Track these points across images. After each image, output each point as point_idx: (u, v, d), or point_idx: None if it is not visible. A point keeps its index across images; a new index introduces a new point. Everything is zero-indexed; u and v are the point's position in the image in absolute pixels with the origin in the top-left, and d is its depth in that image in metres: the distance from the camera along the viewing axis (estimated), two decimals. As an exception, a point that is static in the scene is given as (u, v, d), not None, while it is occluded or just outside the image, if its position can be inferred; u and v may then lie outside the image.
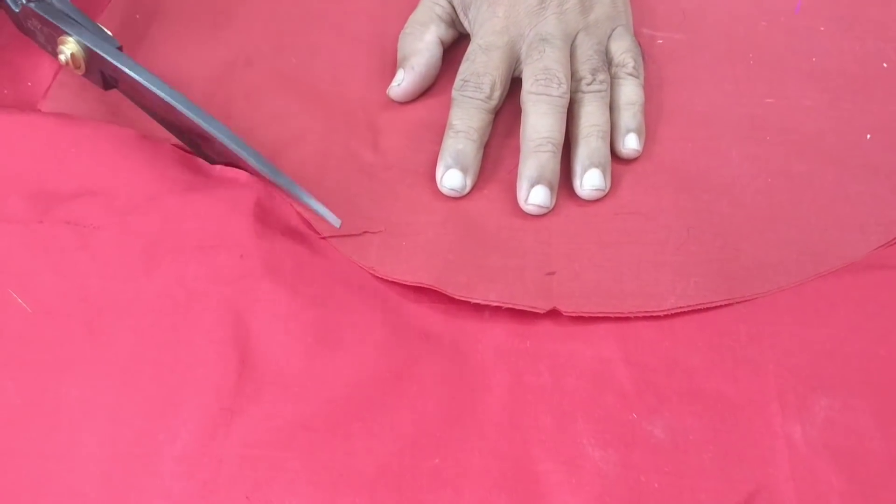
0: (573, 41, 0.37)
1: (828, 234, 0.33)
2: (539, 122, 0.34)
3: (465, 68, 0.36)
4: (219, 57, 0.39)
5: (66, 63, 0.34)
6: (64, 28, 0.34)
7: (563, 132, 0.35)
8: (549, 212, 0.34)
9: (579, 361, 0.30)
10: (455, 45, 0.40)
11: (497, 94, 0.36)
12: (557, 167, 0.34)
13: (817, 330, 0.31)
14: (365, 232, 0.33)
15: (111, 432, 0.28)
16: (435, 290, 0.31)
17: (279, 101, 0.37)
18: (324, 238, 0.33)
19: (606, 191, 0.34)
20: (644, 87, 0.37)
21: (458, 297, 0.31)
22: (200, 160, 0.35)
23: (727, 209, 0.34)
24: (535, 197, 0.33)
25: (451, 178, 0.34)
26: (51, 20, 0.34)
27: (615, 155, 0.36)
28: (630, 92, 0.36)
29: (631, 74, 0.36)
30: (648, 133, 0.36)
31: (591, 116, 0.35)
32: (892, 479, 0.28)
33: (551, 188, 0.33)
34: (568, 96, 0.35)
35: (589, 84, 0.35)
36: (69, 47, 0.34)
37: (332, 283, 0.32)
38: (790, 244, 0.33)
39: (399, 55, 0.38)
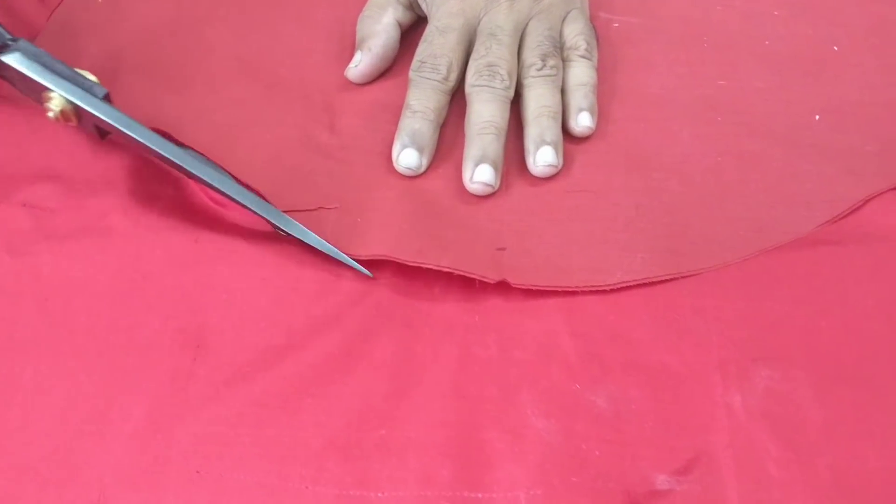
0: (525, 28, 0.37)
1: (774, 211, 0.34)
2: (482, 108, 0.35)
3: (422, 50, 0.37)
4: (180, 43, 0.40)
5: (57, 119, 0.33)
6: (45, 83, 0.32)
7: (505, 119, 0.35)
8: (501, 192, 0.35)
9: (526, 334, 0.31)
10: (413, 28, 0.40)
11: (454, 75, 0.36)
12: (501, 149, 0.35)
13: (761, 303, 0.32)
14: (320, 207, 0.34)
15: (64, 409, 0.29)
16: (388, 266, 0.32)
17: (238, 86, 0.38)
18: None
19: (559, 167, 0.35)
20: (597, 69, 0.38)
21: (410, 264, 0.32)
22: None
23: (677, 187, 0.35)
24: (479, 175, 0.34)
25: (407, 157, 0.35)
26: (29, 76, 0.32)
27: (568, 134, 0.36)
28: (581, 73, 0.37)
29: (583, 56, 0.37)
30: (602, 113, 0.37)
31: (542, 98, 0.36)
32: (828, 446, 0.28)
33: (495, 167, 0.34)
34: (512, 90, 0.36)
35: (539, 70, 0.36)
36: (56, 103, 0.32)
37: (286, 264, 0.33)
38: (737, 221, 0.34)
39: (357, 38, 0.39)
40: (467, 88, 0.36)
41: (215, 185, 0.32)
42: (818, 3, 0.42)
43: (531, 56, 0.36)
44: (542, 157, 0.34)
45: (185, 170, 0.32)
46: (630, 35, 0.40)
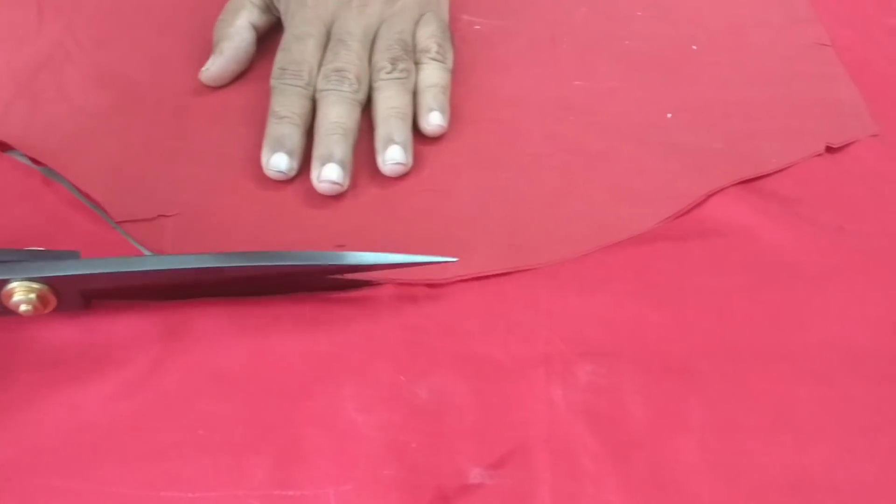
0: (377, 32, 0.37)
1: (618, 208, 0.34)
2: (329, 111, 0.35)
3: (282, 57, 0.37)
4: (37, 51, 0.40)
5: (33, 310, 0.27)
6: (4, 275, 0.27)
7: (354, 121, 0.35)
8: (349, 192, 0.35)
9: (356, 328, 0.31)
10: (273, 31, 0.40)
11: (315, 80, 0.36)
12: (349, 149, 0.35)
13: (593, 297, 0.32)
14: (159, 216, 0.34)
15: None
16: None
17: (91, 93, 0.38)
18: (118, 223, 0.33)
19: (408, 166, 0.35)
20: (452, 71, 0.38)
21: None
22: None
23: (524, 186, 0.35)
24: (326, 173, 0.34)
25: (277, 161, 0.34)
26: None
27: (421, 134, 0.36)
28: (432, 75, 0.37)
29: (434, 59, 0.37)
30: (456, 114, 0.37)
31: (390, 100, 0.36)
32: (647, 440, 0.28)
33: (342, 166, 0.34)
34: (361, 93, 0.36)
35: (389, 73, 0.36)
36: (24, 293, 0.27)
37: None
38: (580, 218, 0.34)
39: (213, 41, 0.39)
40: (317, 94, 0.36)
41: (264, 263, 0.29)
42: (681, 3, 0.43)
43: (381, 59, 0.37)
44: (390, 156, 0.35)
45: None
46: (490, 37, 0.41)
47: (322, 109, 0.35)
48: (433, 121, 0.36)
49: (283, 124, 0.35)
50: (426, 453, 0.28)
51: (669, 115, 0.37)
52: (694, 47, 0.40)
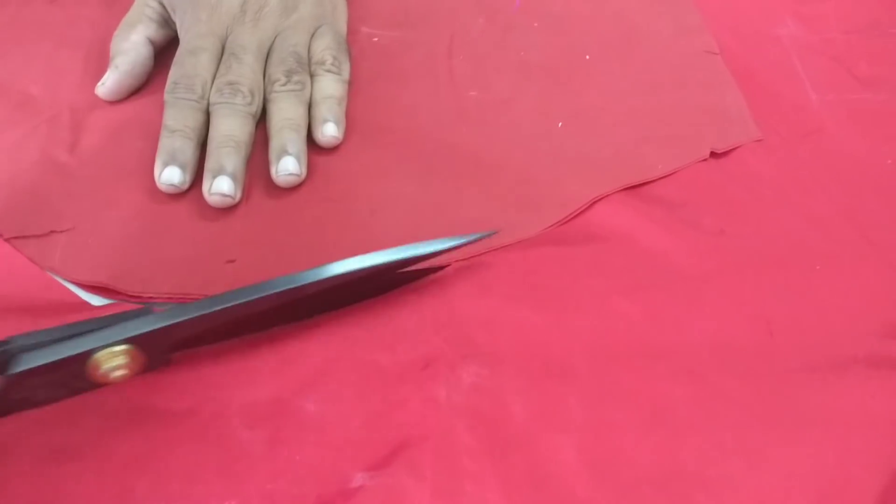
0: (271, 45, 0.38)
1: (506, 214, 0.35)
2: (221, 124, 0.35)
3: (175, 72, 0.37)
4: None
5: (124, 377, 0.26)
6: (84, 349, 0.25)
7: (247, 133, 0.36)
8: (242, 205, 0.35)
9: (237, 344, 0.31)
10: (171, 45, 0.40)
11: (208, 93, 0.37)
12: (240, 162, 0.35)
13: (479, 301, 0.33)
14: (51, 231, 0.34)
15: None
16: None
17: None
18: (7, 239, 0.33)
19: (302, 177, 0.35)
20: (348, 83, 0.39)
21: (132, 294, 0.32)
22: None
23: (416, 192, 0.36)
24: (217, 186, 0.34)
25: (169, 175, 0.35)
26: (56, 359, 0.25)
27: (316, 146, 0.37)
28: (327, 86, 0.37)
29: (329, 71, 0.38)
30: (352, 125, 0.38)
31: (284, 112, 0.36)
32: (526, 439, 0.29)
33: (233, 179, 0.34)
34: (255, 106, 0.36)
35: (283, 85, 0.37)
36: (118, 359, 0.26)
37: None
38: (469, 223, 0.35)
39: (110, 55, 0.39)
40: (210, 107, 0.36)
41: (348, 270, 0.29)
42: (576, 14, 0.44)
43: (275, 72, 0.37)
44: (283, 167, 0.35)
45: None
46: (389, 49, 0.41)
47: (214, 122, 0.36)
48: (327, 132, 0.36)
49: (176, 138, 0.35)
50: (311, 463, 0.28)
51: (560, 125, 0.38)
52: (587, 57, 0.41)
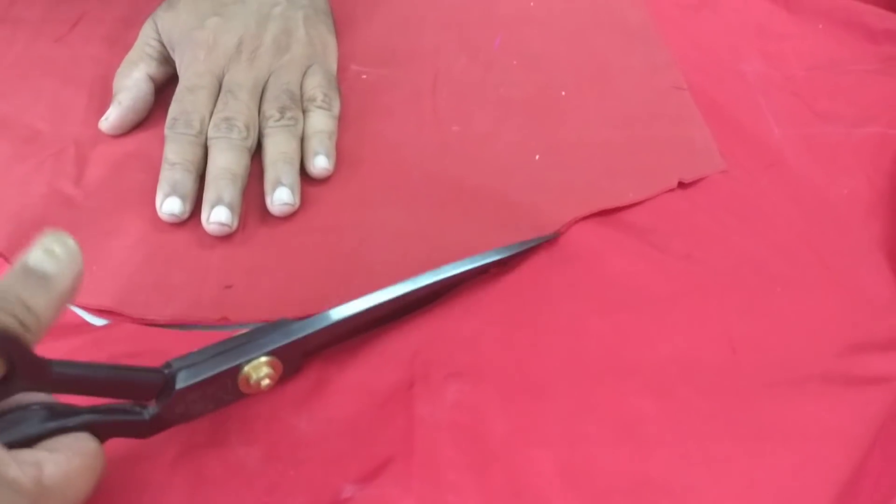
0: (266, 83, 0.40)
1: (485, 238, 0.37)
2: (219, 157, 0.38)
3: (175, 108, 0.39)
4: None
5: (269, 386, 0.30)
6: (235, 364, 0.29)
7: (243, 166, 0.38)
8: (238, 234, 0.37)
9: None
10: (171, 81, 0.43)
11: (206, 129, 0.39)
12: (237, 193, 0.37)
13: (462, 322, 0.35)
14: None
15: None
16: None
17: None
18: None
19: (296, 206, 0.38)
20: (338, 118, 0.41)
21: (136, 317, 0.34)
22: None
23: (402, 221, 0.38)
24: (215, 215, 0.36)
25: (170, 205, 0.37)
26: (212, 375, 0.28)
27: (309, 177, 0.39)
28: (318, 121, 0.40)
29: (320, 107, 0.40)
30: (342, 158, 0.40)
31: (278, 145, 0.38)
32: (505, 452, 0.31)
33: (231, 208, 0.36)
34: (250, 140, 0.39)
35: (277, 120, 0.39)
36: (263, 369, 0.29)
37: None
38: (453, 246, 0.36)
39: (113, 92, 0.41)
40: (208, 141, 0.38)
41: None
42: (553, 52, 0.46)
43: (270, 108, 0.39)
44: (278, 197, 0.37)
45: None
46: (376, 86, 0.44)
47: (212, 156, 0.38)
48: (319, 164, 0.39)
49: (176, 170, 0.37)
50: (304, 478, 0.30)
51: (537, 157, 0.41)
52: (563, 93, 0.44)
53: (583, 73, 0.45)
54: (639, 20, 0.49)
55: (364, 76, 0.44)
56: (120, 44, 0.44)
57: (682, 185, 0.41)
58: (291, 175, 0.38)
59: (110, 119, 0.40)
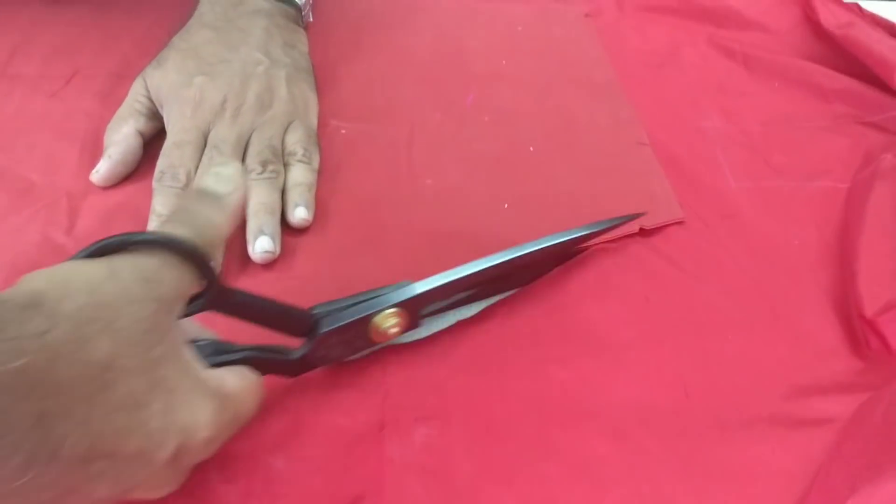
0: (249, 138, 0.43)
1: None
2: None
3: (162, 162, 0.42)
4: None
5: (396, 334, 0.35)
6: (369, 312, 0.33)
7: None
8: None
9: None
10: (160, 135, 0.45)
11: (192, 182, 0.41)
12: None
13: (431, 369, 0.37)
14: None
15: None
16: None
17: (-12, 193, 0.42)
18: None
19: (276, 254, 0.40)
20: (317, 171, 0.43)
21: None
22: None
23: (376, 268, 0.40)
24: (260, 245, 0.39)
25: None
26: (349, 321, 0.33)
27: (289, 227, 0.41)
28: (298, 175, 0.42)
29: (300, 161, 0.43)
30: (321, 209, 0.42)
31: (260, 197, 0.41)
32: (471, 491, 0.33)
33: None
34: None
35: (259, 173, 0.41)
36: (391, 319, 0.34)
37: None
38: None
39: (103, 146, 0.43)
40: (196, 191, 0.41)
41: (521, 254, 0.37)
42: (522, 109, 0.49)
43: (252, 162, 0.42)
44: (259, 245, 0.39)
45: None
46: (355, 140, 0.46)
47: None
48: (299, 215, 0.41)
49: (164, 222, 0.39)
50: (278, 514, 0.32)
51: (506, 206, 0.43)
52: (531, 148, 0.47)
53: (549, 127, 0.48)
54: (605, 78, 0.52)
55: (343, 131, 0.47)
56: (112, 98, 0.46)
57: (642, 231, 0.43)
58: (272, 225, 0.40)
59: (101, 172, 0.42)
